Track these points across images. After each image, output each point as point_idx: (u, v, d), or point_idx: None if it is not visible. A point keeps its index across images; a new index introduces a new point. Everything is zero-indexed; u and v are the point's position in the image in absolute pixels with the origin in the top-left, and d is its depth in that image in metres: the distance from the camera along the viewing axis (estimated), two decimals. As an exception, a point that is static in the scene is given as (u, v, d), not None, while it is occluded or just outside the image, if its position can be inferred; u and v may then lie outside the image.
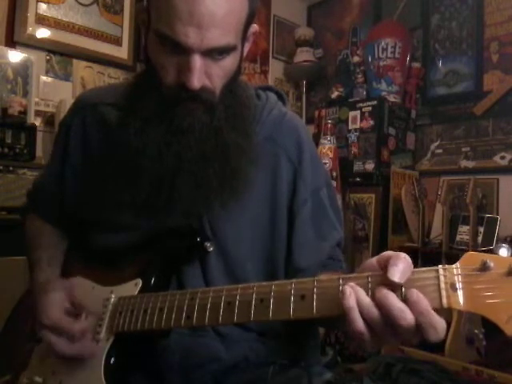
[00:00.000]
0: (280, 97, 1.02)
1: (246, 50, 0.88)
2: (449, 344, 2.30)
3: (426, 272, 0.55)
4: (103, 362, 0.79)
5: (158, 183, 0.82)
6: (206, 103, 0.80)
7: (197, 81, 0.76)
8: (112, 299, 0.83)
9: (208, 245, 0.85)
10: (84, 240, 0.97)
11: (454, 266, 0.53)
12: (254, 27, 0.88)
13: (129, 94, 0.90)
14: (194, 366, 0.85)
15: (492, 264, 0.52)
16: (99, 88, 1.29)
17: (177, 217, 0.85)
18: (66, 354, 0.80)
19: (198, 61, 0.76)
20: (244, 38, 0.85)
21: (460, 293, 0.52)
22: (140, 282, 0.84)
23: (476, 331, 2.35)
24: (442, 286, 0.53)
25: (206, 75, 0.78)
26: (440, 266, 0.54)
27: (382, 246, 2.90)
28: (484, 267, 0.52)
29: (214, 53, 0.77)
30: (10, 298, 1.02)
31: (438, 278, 0.54)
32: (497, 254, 0.47)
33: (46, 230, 1.03)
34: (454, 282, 0.53)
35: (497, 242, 2.24)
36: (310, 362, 0.91)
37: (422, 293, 0.54)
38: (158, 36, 0.78)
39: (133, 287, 0.84)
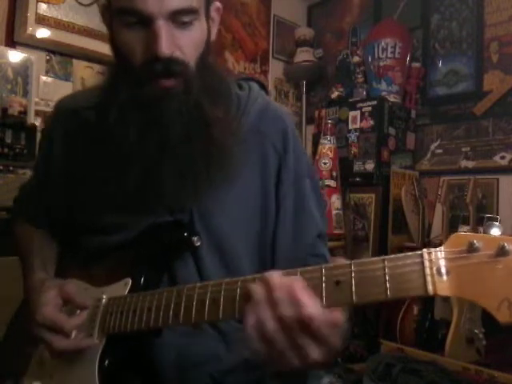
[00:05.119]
0: (262, 86, 1.01)
1: (213, 29, 0.88)
2: (449, 344, 2.29)
3: (410, 257, 0.52)
4: (97, 364, 0.78)
5: (144, 170, 0.80)
6: (180, 76, 0.78)
7: (165, 46, 0.75)
8: (103, 300, 0.82)
9: (195, 239, 0.84)
10: (74, 242, 0.96)
11: (438, 249, 0.51)
12: (217, 4, 0.87)
13: (102, 89, 0.88)
14: (191, 365, 0.84)
15: (480, 244, 0.49)
16: (76, 93, 1.27)
17: (167, 204, 0.84)
18: (62, 349, 0.80)
19: (162, 26, 0.75)
20: (207, 11, 0.84)
21: (446, 278, 0.50)
22: (129, 282, 0.83)
23: (476, 331, 2.33)
24: (427, 271, 0.51)
25: (174, 45, 0.77)
26: (425, 249, 0.52)
27: (382, 245, 2.89)
28: (471, 248, 0.49)
29: (178, 16, 0.76)
30: (10, 297, 1.02)
31: (422, 263, 0.51)
32: (488, 233, 0.44)
33: (36, 235, 1.02)
34: (440, 267, 0.50)
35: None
36: None
37: (405, 280, 0.52)
38: (120, 15, 0.77)
39: (122, 287, 0.83)
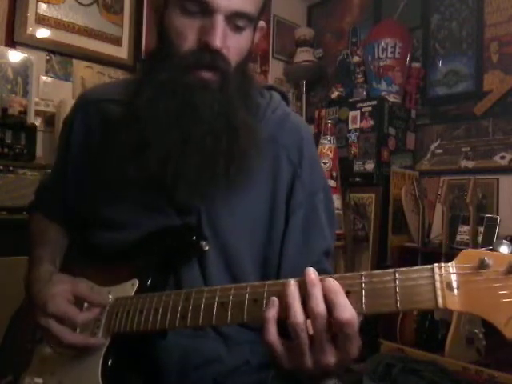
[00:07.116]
0: (283, 97, 1.02)
1: (255, 40, 0.89)
2: (449, 344, 2.30)
3: (421, 271, 0.53)
4: (101, 363, 0.78)
5: (162, 160, 0.79)
6: (221, 72, 0.79)
7: (219, 40, 0.76)
8: (109, 300, 0.82)
9: (204, 243, 0.84)
10: (84, 239, 0.96)
11: (449, 264, 0.51)
12: (262, 23, 0.89)
13: (139, 71, 0.89)
14: (193, 367, 0.84)
15: (490, 262, 0.49)
16: (103, 84, 1.26)
17: (177, 200, 0.83)
18: (70, 343, 0.79)
19: (222, 22, 0.77)
20: (256, 24, 0.86)
21: (456, 292, 0.50)
22: (136, 283, 0.83)
23: (476, 331, 2.34)
24: (438, 285, 0.51)
25: (224, 43, 0.78)
26: (436, 264, 0.52)
27: (381, 245, 2.90)
28: (482, 265, 0.50)
29: (237, 19, 0.78)
30: (11, 297, 1.02)
31: (433, 277, 0.52)
32: (497, 251, 0.44)
33: (49, 229, 1.02)
34: (450, 282, 0.51)
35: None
36: None
37: (416, 293, 0.53)
38: (181, 0, 0.78)
39: (129, 287, 0.83)
